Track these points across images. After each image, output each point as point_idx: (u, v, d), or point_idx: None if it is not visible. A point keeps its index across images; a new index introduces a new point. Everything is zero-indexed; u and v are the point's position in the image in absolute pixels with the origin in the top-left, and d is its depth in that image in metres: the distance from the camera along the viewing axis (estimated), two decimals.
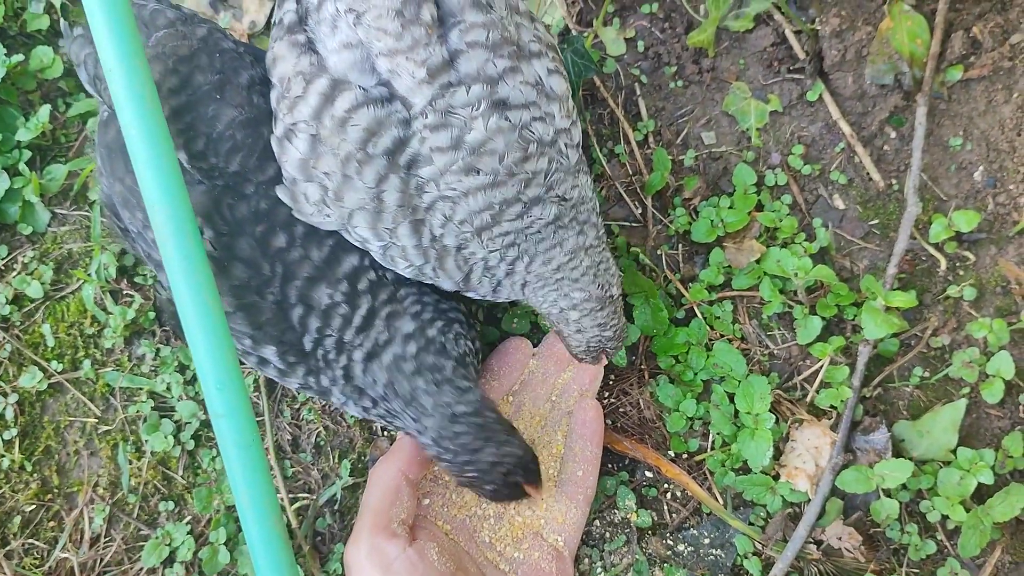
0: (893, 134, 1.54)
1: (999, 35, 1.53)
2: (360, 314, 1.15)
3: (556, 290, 1.13)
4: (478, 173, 1.02)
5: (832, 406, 1.44)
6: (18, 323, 1.48)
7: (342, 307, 1.14)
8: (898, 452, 1.43)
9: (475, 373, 1.24)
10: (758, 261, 1.47)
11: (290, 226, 1.12)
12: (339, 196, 1.05)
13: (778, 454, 1.44)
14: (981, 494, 1.39)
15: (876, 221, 1.52)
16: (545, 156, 1.06)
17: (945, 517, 1.39)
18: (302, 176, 1.06)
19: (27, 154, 1.51)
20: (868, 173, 1.53)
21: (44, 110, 1.51)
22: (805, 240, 1.49)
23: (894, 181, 1.53)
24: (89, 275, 1.48)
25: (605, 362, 1.30)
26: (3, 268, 1.49)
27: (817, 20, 1.54)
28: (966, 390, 1.46)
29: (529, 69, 1.06)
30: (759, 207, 1.51)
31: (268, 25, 1.62)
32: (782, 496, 1.40)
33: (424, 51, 0.99)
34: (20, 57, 1.52)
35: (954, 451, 1.41)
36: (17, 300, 1.48)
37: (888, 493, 1.40)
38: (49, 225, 1.52)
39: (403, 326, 1.17)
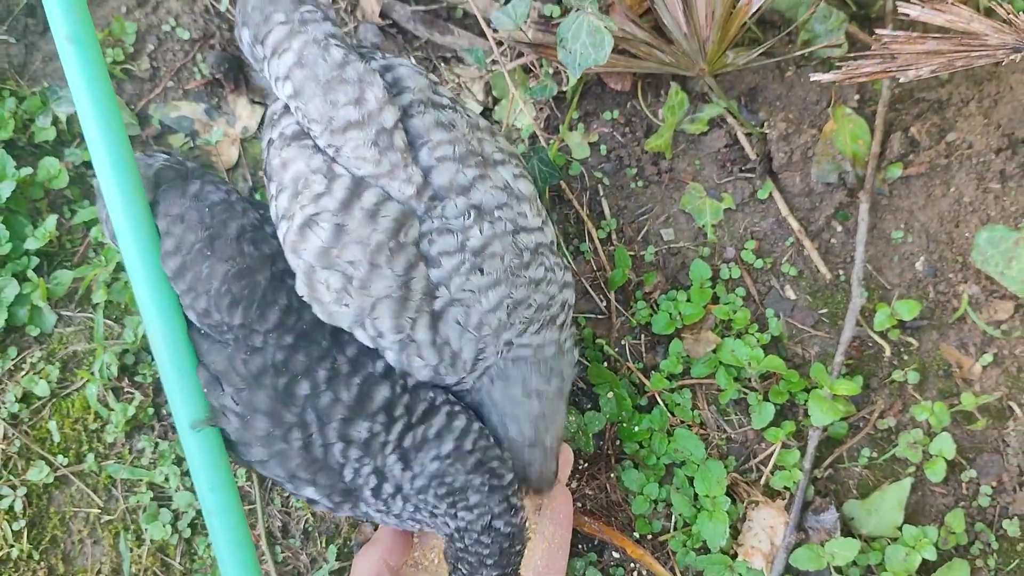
0: (839, 228, 1.66)
1: (935, 134, 1.65)
2: (396, 430, 1.14)
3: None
4: (482, 273, 1.13)
5: (786, 487, 1.55)
6: (26, 420, 1.58)
7: (381, 436, 1.14)
8: (849, 530, 1.53)
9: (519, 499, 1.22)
10: (714, 351, 1.58)
11: (310, 373, 1.13)
12: (365, 285, 1.09)
13: (736, 533, 1.53)
14: (927, 569, 1.49)
15: (825, 310, 1.63)
16: (539, 264, 1.19)
17: None
18: (320, 264, 1.10)
19: (35, 261, 1.62)
20: (816, 266, 1.64)
21: (51, 219, 1.62)
22: (758, 331, 1.60)
23: (841, 272, 1.64)
24: (92, 374, 1.58)
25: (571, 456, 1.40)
26: (13, 368, 1.60)
27: (766, 124, 1.67)
28: (911, 469, 1.56)
29: (496, 175, 1.18)
30: (715, 299, 1.62)
31: (259, 129, 1.75)
32: (740, 575, 1.50)
33: (404, 172, 1.11)
34: (29, 170, 1.63)
35: (900, 528, 1.50)
36: (26, 398, 1.59)
37: (839, 570, 1.49)
38: (55, 327, 1.63)
39: (455, 422, 1.16)
